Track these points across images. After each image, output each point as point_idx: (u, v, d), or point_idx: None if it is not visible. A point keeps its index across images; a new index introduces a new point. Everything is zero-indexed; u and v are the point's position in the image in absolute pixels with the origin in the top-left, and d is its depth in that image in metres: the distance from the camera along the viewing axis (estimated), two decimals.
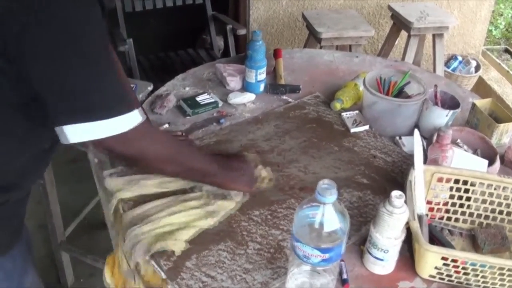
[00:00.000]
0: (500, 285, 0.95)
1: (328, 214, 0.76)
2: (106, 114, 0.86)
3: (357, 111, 1.51)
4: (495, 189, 1.09)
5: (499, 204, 1.11)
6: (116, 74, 0.91)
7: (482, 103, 1.47)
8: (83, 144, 0.92)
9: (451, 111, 1.38)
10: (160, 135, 1.12)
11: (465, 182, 1.10)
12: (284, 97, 1.61)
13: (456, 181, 1.10)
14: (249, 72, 1.57)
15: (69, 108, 0.85)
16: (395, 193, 0.91)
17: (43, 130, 0.95)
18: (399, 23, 2.91)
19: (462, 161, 1.21)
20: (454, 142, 1.30)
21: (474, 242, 1.10)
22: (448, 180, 1.10)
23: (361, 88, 1.56)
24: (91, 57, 0.84)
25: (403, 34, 2.99)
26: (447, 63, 3.37)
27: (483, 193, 1.10)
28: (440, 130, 1.12)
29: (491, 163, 1.23)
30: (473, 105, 1.46)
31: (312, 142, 1.39)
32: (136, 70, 2.43)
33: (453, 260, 0.93)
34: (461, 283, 0.98)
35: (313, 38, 2.74)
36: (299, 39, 3.37)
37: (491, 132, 1.38)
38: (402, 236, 0.96)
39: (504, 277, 0.93)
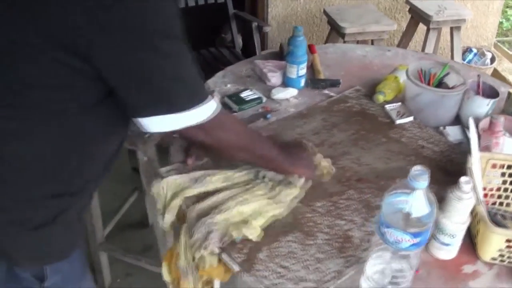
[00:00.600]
0: None
1: (418, 200, 0.80)
2: (187, 105, 0.88)
3: (400, 103, 1.54)
4: None
5: None
6: (192, 64, 0.91)
7: None
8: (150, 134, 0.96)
9: (492, 100, 1.41)
10: (236, 124, 1.14)
11: None
12: (325, 91, 1.64)
13: (508, 167, 1.14)
14: (291, 68, 1.60)
15: (150, 101, 0.86)
16: (464, 179, 0.95)
17: (112, 132, 0.98)
18: (418, 17, 2.95)
19: (509, 147, 1.25)
20: None
21: None
22: (501, 166, 1.13)
23: (401, 80, 1.60)
24: (169, 49, 0.84)
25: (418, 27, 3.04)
26: (462, 56, 3.41)
27: None
28: (492, 117, 1.17)
29: None
30: (509, 93, 1.49)
31: (360, 134, 1.43)
32: None
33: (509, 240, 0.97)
34: None
35: (335, 34, 2.78)
36: (317, 35, 3.40)
37: None
38: (468, 221, 1.00)
39: None
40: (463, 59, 3.38)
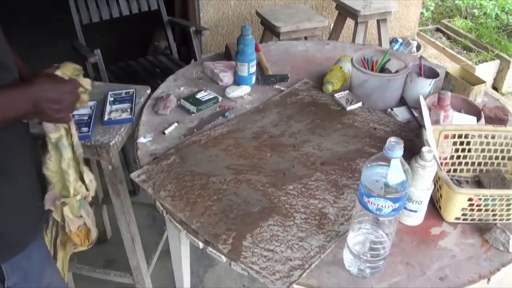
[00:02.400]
0: (506, 214, 1.12)
1: (395, 168, 0.87)
2: None
3: (347, 91, 1.64)
4: (492, 138, 1.25)
5: (495, 151, 1.28)
6: None
7: (454, 70, 1.64)
8: None
9: (433, 80, 1.54)
10: None
11: (466, 136, 1.25)
12: (276, 86, 1.71)
13: (459, 136, 1.25)
14: (242, 66, 1.65)
15: None
16: (426, 149, 1.04)
17: None
18: (345, 12, 3.10)
19: (455, 120, 1.37)
20: None
21: (479, 186, 1.26)
22: (453, 136, 1.25)
23: (346, 70, 1.69)
24: None
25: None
26: (389, 46, 3.61)
27: (481, 143, 1.26)
28: (440, 93, 1.28)
29: (477, 119, 1.40)
30: (447, 73, 1.63)
31: (316, 123, 1.50)
32: (107, 80, 2.43)
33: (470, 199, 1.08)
34: (480, 220, 1.13)
35: (269, 33, 2.86)
36: None
37: (467, 94, 1.55)
38: (432, 187, 1.09)
39: (510, 207, 1.10)
40: (391, 49, 3.58)
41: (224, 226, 1.11)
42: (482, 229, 1.14)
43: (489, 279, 1.04)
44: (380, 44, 3.21)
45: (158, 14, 2.82)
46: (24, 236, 1.02)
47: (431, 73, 1.60)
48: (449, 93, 1.28)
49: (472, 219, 1.13)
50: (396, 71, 1.56)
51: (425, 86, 1.54)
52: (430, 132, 1.19)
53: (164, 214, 1.17)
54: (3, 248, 0.94)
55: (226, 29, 3.41)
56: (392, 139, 0.86)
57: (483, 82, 1.55)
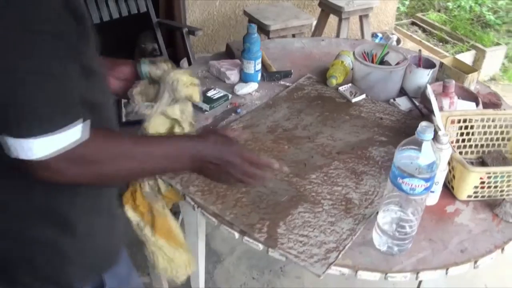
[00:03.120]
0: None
1: (426, 150, 0.95)
2: (28, 130, 0.68)
3: (350, 84, 1.72)
4: (492, 121, 1.36)
5: (495, 133, 1.38)
6: (53, 79, 0.70)
7: (447, 60, 1.75)
8: None
9: (431, 70, 1.64)
10: (110, 145, 0.81)
11: (469, 121, 1.35)
12: (281, 82, 1.78)
13: (463, 121, 1.35)
14: (248, 64, 1.72)
15: None
16: (442, 133, 1.13)
17: None
18: (329, 9, 3.19)
19: (459, 107, 1.48)
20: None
21: (483, 166, 1.36)
22: (458, 121, 1.35)
23: (346, 64, 1.78)
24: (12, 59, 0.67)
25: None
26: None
27: (483, 127, 1.37)
28: (445, 81, 1.38)
29: (476, 105, 1.50)
30: (441, 63, 1.73)
31: (325, 115, 1.58)
32: None
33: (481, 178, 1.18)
34: (490, 196, 1.24)
35: (258, 32, 2.92)
36: (234, 36, 3.54)
37: (462, 82, 1.66)
38: (447, 168, 1.18)
39: None
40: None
41: (257, 216, 1.18)
42: (491, 205, 1.24)
43: (503, 249, 1.14)
44: (362, 37, 3.32)
45: (143, 17, 2.85)
46: (120, 245, 1.04)
47: (428, 64, 1.70)
48: (453, 82, 1.38)
49: (482, 196, 1.24)
50: (397, 63, 1.66)
51: (423, 76, 1.64)
52: (439, 118, 1.29)
53: (195, 208, 1.23)
54: (106, 260, 0.98)
55: (211, 29, 3.46)
56: (423, 123, 0.94)
57: (476, 70, 1.67)
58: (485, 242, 1.15)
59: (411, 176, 0.96)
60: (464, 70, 1.70)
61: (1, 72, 0.66)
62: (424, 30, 4.47)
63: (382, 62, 1.73)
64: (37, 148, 0.68)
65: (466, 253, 1.11)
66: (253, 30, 1.70)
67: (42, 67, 0.68)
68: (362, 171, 1.33)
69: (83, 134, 0.72)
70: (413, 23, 4.56)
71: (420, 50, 1.72)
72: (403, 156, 0.98)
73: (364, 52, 1.72)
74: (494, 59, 3.99)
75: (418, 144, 0.95)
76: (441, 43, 4.25)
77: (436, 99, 1.40)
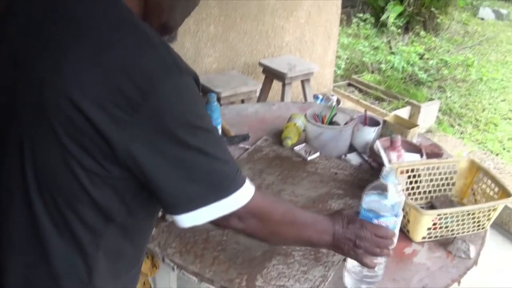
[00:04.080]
0: (461, 228, 1.38)
1: (391, 190, 1.08)
2: (225, 192, 0.84)
3: (304, 144, 1.87)
4: (437, 169, 1.53)
5: (441, 179, 1.55)
6: (226, 150, 0.86)
7: (389, 118, 1.95)
8: None
9: (376, 128, 1.82)
10: (276, 206, 1.01)
11: (416, 170, 1.51)
12: (240, 145, 1.90)
13: (411, 171, 1.51)
14: None
15: (186, 197, 0.82)
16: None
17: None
18: (272, 75, 3.41)
19: (406, 159, 1.64)
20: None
21: (433, 209, 1.51)
22: (406, 171, 1.50)
23: (298, 125, 1.93)
24: (201, 141, 0.79)
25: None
26: None
27: (429, 175, 1.53)
28: (392, 137, 1.54)
29: (421, 156, 1.68)
30: (384, 121, 1.92)
31: (285, 174, 1.71)
32: None
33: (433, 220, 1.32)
34: (442, 236, 1.37)
35: None
36: None
37: (405, 137, 1.85)
38: (402, 215, 1.32)
39: (464, 222, 1.36)
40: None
41: (234, 272, 1.25)
42: (444, 244, 1.38)
43: (459, 282, 1.27)
44: (305, 100, 3.55)
45: None
46: None
47: (373, 122, 1.89)
48: (399, 136, 1.55)
49: (435, 236, 1.37)
50: (346, 123, 1.83)
51: (370, 133, 1.82)
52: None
53: (175, 269, 1.29)
54: None
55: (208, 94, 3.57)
56: (386, 168, 1.08)
57: (416, 125, 1.86)
58: (443, 277, 1.27)
59: (384, 216, 1.08)
60: (406, 125, 1.89)
61: (202, 156, 0.80)
62: (360, 90, 4.81)
63: (331, 122, 1.89)
64: (240, 198, 0.87)
65: None
66: (213, 99, 1.83)
67: (226, 150, 0.86)
68: None
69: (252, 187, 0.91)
70: (349, 84, 4.91)
71: (365, 110, 1.90)
72: (371, 199, 1.10)
73: (315, 114, 1.89)
74: (428, 113, 4.35)
75: (383, 188, 1.08)
76: (377, 101, 4.58)
77: (385, 152, 1.56)
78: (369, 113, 1.94)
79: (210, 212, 0.84)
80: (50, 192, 0.80)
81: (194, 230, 1.40)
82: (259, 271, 1.25)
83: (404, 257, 1.33)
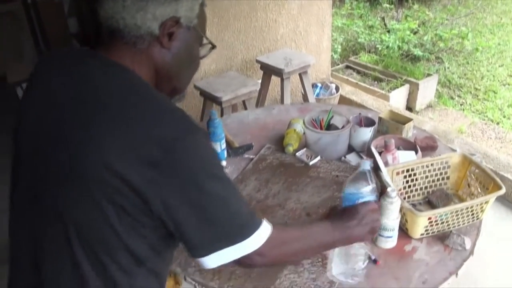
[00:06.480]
0: (456, 223, 1.48)
1: (370, 176, 1.29)
2: (245, 234, 0.95)
3: (305, 149, 1.97)
4: (432, 165, 1.63)
5: (436, 175, 1.65)
6: (240, 196, 0.98)
7: (384, 114, 2.04)
8: None
9: (372, 128, 1.92)
10: (288, 235, 1.12)
11: (412, 169, 1.61)
12: (245, 155, 2.01)
13: (407, 171, 1.61)
14: (215, 145, 1.94)
15: (209, 241, 0.93)
16: (390, 189, 1.38)
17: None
18: (270, 72, 3.49)
19: (401, 159, 1.74)
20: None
21: (430, 204, 1.62)
22: (402, 172, 1.60)
23: (298, 130, 2.03)
24: (219, 188, 0.92)
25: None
26: None
27: (424, 172, 1.63)
28: (386, 141, 1.64)
29: (416, 152, 1.78)
30: (379, 118, 2.02)
31: (289, 181, 1.81)
32: None
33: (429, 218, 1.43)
34: (439, 231, 1.48)
35: (210, 102, 3.18)
36: (188, 108, 3.76)
37: (400, 132, 1.94)
38: (399, 216, 1.43)
39: (459, 216, 1.46)
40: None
41: (251, 285, 1.37)
42: (441, 238, 1.48)
43: (456, 274, 1.38)
44: (304, 91, 3.64)
45: None
46: None
47: (369, 122, 1.98)
48: (393, 140, 1.65)
49: (432, 232, 1.48)
50: (343, 127, 1.92)
51: (366, 133, 1.91)
52: (385, 172, 1.54)
53: (196, 287, 1.41)
54: None
55: (211, 110, 3.65)
56: (361, 161, 1.29)
57: (411, 119, 1.96)
58: (441, 271, 1.38)
59: (365, 197, 1.28)
60: (401, 120, 1.99)
61: (223, 201, 0.92)
62: (358, 72, 4.88)
63: (329, 125, 1.99)
64: (260, 237, 0.97)
65: (427, 283, 1.34)
66: (215, 115, 1.93)
67: (240, 194, 0.98)
68: None
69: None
70: (347, 67, 4.97)
71: (360, 113, 2.00)
72: (351, 187, 1.28)
73: (313, 120, 1.98)
74: (427, 88, 4.41)
75: (363, 176, 1.28)
76: (376, 82, 4.65)
77: (381, 155, 1.67)
78: (363, 114, 2.03)
79: (232, 252, 0.95)
80: (92, 246, 0.93)
81: None
82: (272, 282, 1.37)
83: (405, 255, 1.45)
